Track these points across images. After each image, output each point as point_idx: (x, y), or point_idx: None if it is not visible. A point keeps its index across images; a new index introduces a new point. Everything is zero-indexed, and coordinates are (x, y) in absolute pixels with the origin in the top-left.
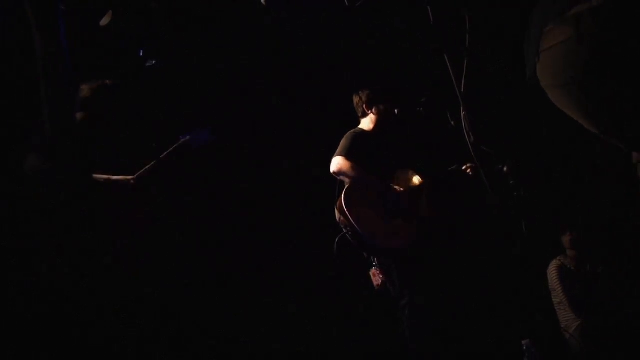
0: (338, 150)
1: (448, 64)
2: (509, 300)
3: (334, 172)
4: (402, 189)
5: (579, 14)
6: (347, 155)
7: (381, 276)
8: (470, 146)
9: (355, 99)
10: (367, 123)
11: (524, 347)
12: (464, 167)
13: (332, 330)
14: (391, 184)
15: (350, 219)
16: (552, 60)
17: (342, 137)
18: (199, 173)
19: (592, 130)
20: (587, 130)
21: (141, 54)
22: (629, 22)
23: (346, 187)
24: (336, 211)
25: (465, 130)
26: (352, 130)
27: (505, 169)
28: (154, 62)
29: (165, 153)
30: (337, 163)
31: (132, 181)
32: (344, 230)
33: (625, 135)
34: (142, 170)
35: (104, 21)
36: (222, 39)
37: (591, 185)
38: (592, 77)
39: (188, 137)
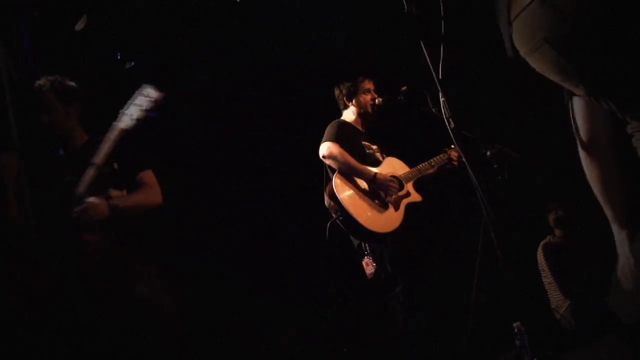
0: (325, 137)
1: (424, 51)
2: (499, 283)
3: (324, 156)
4: (388, 177)
5: None
6: (336, 141)
7: (374, 264)
8: (450, 132)
9: (336, 92)
10: (348, 115)
11: (515, 330)
12: (448, 153)
13: (326, 318)
14: (377, 173)
15: (341, 202)
16: (523, 26)
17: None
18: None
19: (572, 89)
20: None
21: (119, 56)
22: None
23: (336, 171)
24: (326, 196)
25: (445, 117)
26: (335, 120)
27: (488, 153)
28: (132, 63)
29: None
30: (328, 147)
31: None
32: (334, 216)
33: (601, 85)
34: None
35: (79, 25)
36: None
37: (577, 165)
38: (561, 34)
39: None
